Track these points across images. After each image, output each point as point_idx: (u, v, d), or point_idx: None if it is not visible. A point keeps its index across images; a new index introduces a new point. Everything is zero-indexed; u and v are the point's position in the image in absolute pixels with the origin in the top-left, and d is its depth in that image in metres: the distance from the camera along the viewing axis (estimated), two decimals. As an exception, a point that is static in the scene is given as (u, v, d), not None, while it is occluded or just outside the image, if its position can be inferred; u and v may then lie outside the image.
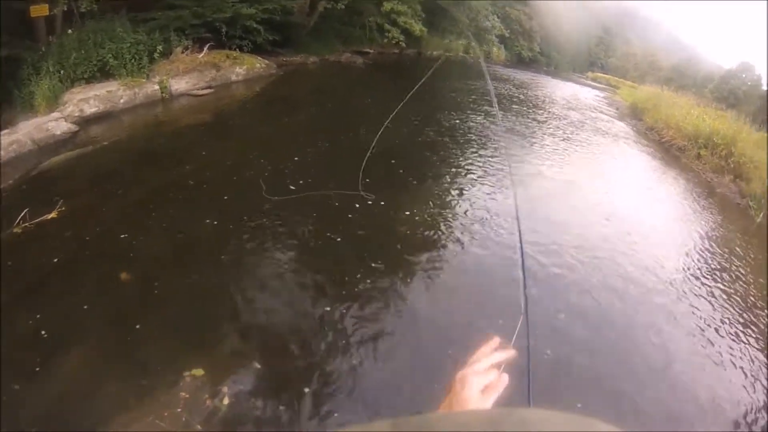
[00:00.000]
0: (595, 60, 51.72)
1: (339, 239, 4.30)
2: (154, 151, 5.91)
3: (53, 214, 4.09)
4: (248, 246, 3.95)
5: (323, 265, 3.91)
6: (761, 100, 30.86)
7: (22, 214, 3.77)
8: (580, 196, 6.78)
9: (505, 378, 0.65)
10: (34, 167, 5.29)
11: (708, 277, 5.25)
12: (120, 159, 5.54)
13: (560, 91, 20.10)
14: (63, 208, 4.15)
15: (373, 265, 3.95)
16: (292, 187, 5.02)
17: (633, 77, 45.89)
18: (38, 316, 2.81)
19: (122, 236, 3.83)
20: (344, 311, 3.33)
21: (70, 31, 7.48)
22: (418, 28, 14.46)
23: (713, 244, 6.33)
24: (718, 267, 5.63)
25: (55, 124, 6.26)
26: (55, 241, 3.71)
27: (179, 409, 2.31)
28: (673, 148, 12.27)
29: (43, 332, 2.71)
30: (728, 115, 14.86)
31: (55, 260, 3.44)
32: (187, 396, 2.41)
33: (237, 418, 2.39)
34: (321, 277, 3.71)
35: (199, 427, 2.26)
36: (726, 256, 6.03)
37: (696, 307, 4.50)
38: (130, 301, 3.08)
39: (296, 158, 5.87)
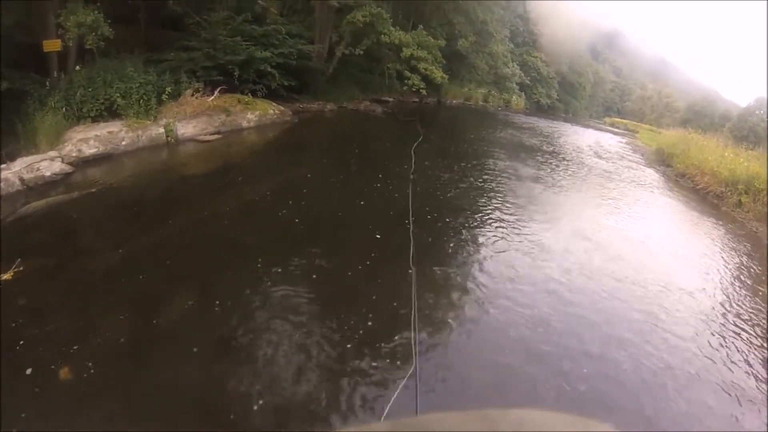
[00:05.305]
0: (611, 105, 52.09)
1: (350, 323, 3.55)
2: (145, 204, 5.29)
3: (7, 276, 3.53)
4: (235, 338, 3.13)
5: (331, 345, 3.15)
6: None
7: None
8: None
9: None
10: (12, 213, 4.83)
11: None
12: (104, 211, 4.92)
13: (583, 139, 19.55)
14: (20, 269, 3.62)
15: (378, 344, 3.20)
16: (294, 258, 4.25)
17: (650, 120, 45.59)
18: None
19: (77, 316, 3.11)
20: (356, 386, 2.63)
21: (78, 67, 7.31)
22: (439, 74, 14.19)
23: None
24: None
25: (47, 164, 5.84)
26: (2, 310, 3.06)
27: None
28: (710, 196, 11.28)
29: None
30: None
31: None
32: None
33: None
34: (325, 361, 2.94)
35: None
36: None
37: None
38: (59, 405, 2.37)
39: (300, 222, 5.11)
